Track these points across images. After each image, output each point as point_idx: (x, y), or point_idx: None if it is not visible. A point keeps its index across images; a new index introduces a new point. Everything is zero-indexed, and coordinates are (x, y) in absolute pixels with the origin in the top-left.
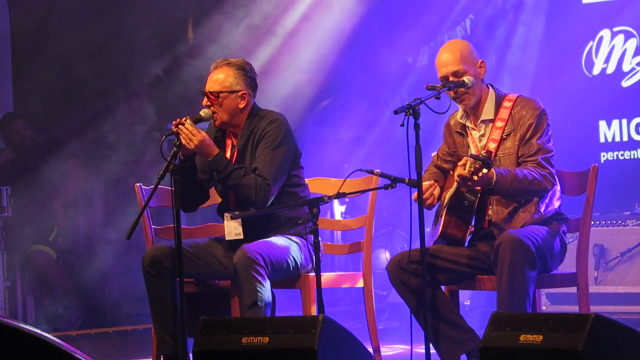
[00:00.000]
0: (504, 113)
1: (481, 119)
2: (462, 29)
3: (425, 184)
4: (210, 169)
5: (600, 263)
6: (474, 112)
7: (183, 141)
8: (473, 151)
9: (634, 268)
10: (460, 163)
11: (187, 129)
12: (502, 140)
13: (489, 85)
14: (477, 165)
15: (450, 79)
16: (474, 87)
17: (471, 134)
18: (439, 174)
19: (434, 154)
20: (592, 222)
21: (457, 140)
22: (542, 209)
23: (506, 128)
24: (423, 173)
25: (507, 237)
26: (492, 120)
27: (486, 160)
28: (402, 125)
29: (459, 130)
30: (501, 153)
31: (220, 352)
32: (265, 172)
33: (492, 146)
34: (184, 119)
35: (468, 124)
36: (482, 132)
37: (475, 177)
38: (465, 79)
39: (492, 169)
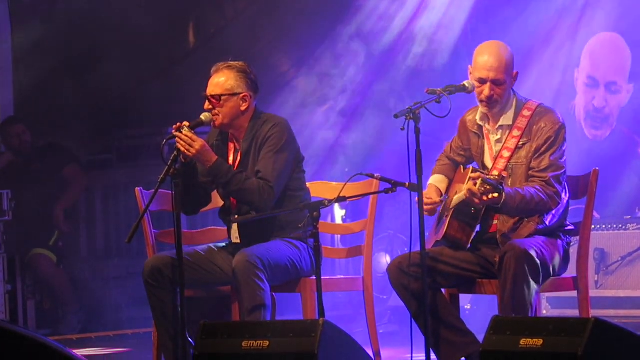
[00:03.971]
0: (522, 122)
1: (499, 124)
2: (463, 33)
3: (430, 192)
4: (210, 175)
5: (601, 267)
6: (493, 116)
7: (182, 149)
8: (488, 155)
9: (634, 272)
10: (473, 175)
11: (185, 136)
12: (516, 149)
13: (512, 91)
14: (488, 187)
15: (488, 84)
16: (503, 95)
17: (488, 138)
18: (451, 166)
19: (447, 144)
20: (593, 226)
21: (472, 140)
22: (547, 220)
23: (522, 137)
24: (434, 164)
25: (512, 247)
26: (510, 127)
27: (498, 186)
28: (403, 129)
29: (475, 130)
30: (514, 162)
31: (221, 356)
32: (268, 175)
33: (506, 154)
34: (183, 123)
35: (486, 126)
36: (498, 137)
37: (485, 198)
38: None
39: (503, 192)
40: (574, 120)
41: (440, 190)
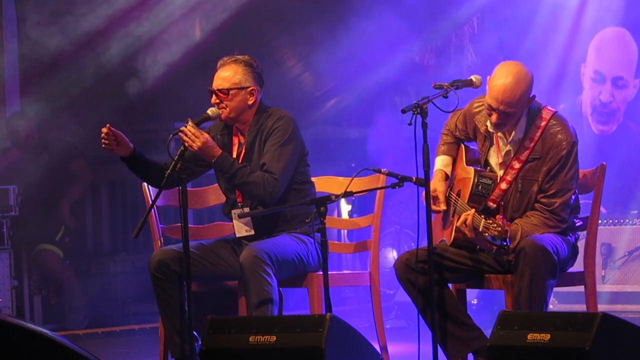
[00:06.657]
0: (535, 132)
1: (511, 138)
2: (469, 28)
3: (438, 183)
4: (215, 170)
5: (608, 262)
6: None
7: (186, 143)
8: (494, 158)
9: None
10: (467, 222)
11: (189, 130)
12: (527, 161)
13: None
14: (494, 236)
15: (497, 113)
16: (513, 120)
17: (497, 144)
18: (455, 144)
19: (451, 116)
20: (600, 221)
21: (478, 137)
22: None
23: (535, 149)
24: (438, 144)
25: (530, 242)
26: (522, 139)
27: (502, 249)
28: (410, 124)
29: (484, 133)
30: (525, 175)
31: (228, 351)
32: (273, 168)
33: (516, 165)
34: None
35: (499, 134)
36: (508, 149)
37: (489, 244)
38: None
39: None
40: (580, 115)
41: (447, 175)
